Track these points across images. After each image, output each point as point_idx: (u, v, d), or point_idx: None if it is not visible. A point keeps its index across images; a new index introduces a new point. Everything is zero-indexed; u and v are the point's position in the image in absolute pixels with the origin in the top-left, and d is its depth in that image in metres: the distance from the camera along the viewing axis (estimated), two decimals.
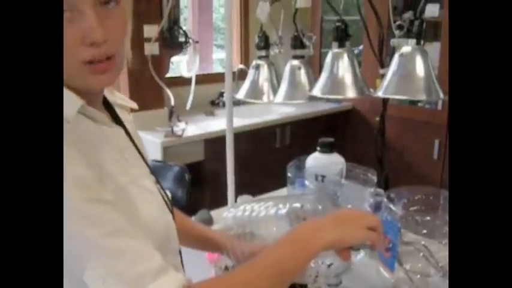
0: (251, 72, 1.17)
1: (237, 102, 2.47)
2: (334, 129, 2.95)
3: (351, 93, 0.98)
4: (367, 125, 3.00)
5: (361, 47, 2.93)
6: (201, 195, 2.30)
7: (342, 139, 2.92)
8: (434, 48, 2.51)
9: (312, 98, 1.04)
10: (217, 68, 3.16)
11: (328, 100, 2.68)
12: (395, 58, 0.89)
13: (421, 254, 0.95)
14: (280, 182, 1.34)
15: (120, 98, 0.74)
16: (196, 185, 1.96)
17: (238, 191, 1.38)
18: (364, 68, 2.73)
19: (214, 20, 3.12)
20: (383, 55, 1.11)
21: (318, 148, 1.15)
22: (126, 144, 0.68)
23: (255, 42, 1.15)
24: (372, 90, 0.99)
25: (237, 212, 0.89)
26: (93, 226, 0.50)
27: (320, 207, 0.86)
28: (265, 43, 1.13)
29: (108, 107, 0.70)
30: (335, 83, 0.99)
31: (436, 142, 2.66)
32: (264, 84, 1.15)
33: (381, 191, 1.12)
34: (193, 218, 1.31)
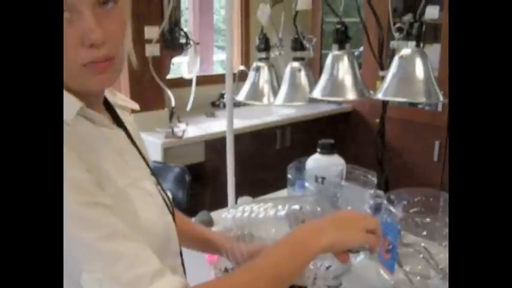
0: (251, 74, 1.17)
1: (238, 104, 2.47)
2: (335, 130, 2.95)
3: (351, 95, 0.98)
4: (367, 126, 3.00)
5: (361, 49, 2.93)
6: (201, 196, 2.30)
7: (342, 141, 2.93)
8: (434, 50, 2.51)
9: (312, 100, 1.04)
10: (217, 70, 3.16)
11: (328, 102, 2.68)
12: (395, 60, 0.89)
13: (421, 255, 0.96)
14: (280, 183, 1.34)
15: (121, 99, 0.74)
16: (197, 186, 1.96)
17: (239, 192, 1.38)
18: (364, 69, 2.73)
19: (215, 22, 3.12)
20: (383, 57, 1.11)
21: (318, 150, 1.15)
22: (127, 146, 0.68)
23: (256, 44, 1.15)
24: (372, 92, 0.99)
25: (237, 213, 0.90)
26: (90, 229, 0.50)
27: (319, 209, 0.86)
28: (265, 45, 1.13)
29: (109, 108, 0.70)
30: (335, 85, 0.99)
31: (436, 144, 2.66)
32: (265, 86, 1.15)
33: (380, 192, 1.12)
34: (193, 219, 1.31)
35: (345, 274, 1.00)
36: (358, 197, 1.08)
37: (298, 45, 1.08)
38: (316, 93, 1.00)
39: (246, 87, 1.18)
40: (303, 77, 1.09)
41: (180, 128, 2.35)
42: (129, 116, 0.76)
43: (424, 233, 1.01)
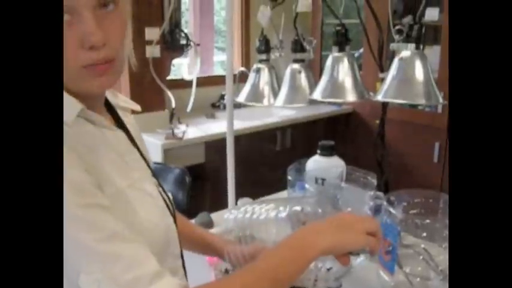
0: (252, 76, 1.17)
1: (238, 105, 2.48)
2: (335, 132, 2.96)
3: (351, 97, 0.98)
4: (367, 128, 3.00)
5: (361, 50, 2.94)
6: (202, 197, 2.30)
7: (342, 142, 2.93)
8: (434, 52, 2.52)
9: (312, 101, 1.04)
10: (218, 71, 3.16)
11: (328, 103, 2.68)
12: (395, 62, 0.90)
13: (421, 257, 0.96)
14: (280, 184, 1.34)
15: (123, 100, 0.75)
16: (197, 187, 1.96)
17: (239, 194, 1.38)
18: (364, 71, 2.74)
19: (215, 23, 3.13)
20: (383, 59, 1.11)
21: (318, 151, 1.15)
22: (127, 147, 0.68)
23: (256, 46, 1.15)
24: (371, 93, 0.99)
25: (238, 214, 0.90)
26: (89, 231, 0.51)
27: (320, 210, 0.86)
28: (266, 47, 1.14)
29: (110, 109, 0.71)
30: (335, 87, 0.99)
31: (436, 145, 2.66)
32: (265, 87, 1.15)
33: (380, 194, 1.12)
34: (193, 220, 1.31)
35: (345, 276, 1.00)
36: (358, 199, 1.08)
37: (298, 47, 1.08)
38: (317, 95, 1.01)
39: (247, 88, 1.18)
40: (303, 79, 1.09)
41: (180, 129, 2.35)
42: (131, 117, 0.76)
43: (424, 234, 1.01)
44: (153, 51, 2.12)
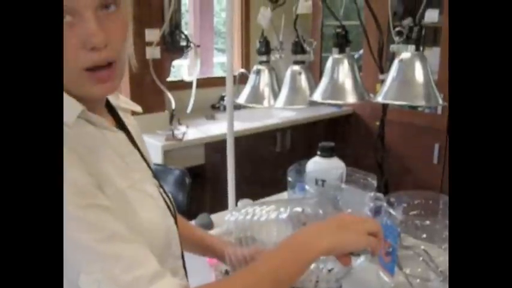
0: (252, 77, 1.17)
1: (238, 106, 2.48)
2: (335, 133, 2.96)
3: (351, 98, 0.98)
4: (368, 129, 3.00)
5: (361, 52, 2.94)
6: (202, 199, 2.30)
7: (342, 143, 2.93)
8: (434, 54, 2.52)
9: (313, 103, 1.04)
10: (218, 72, 3.17)
11: (328, 104, 2.70)
12: (395, 64, 0.90)
13: (421, 258, 0.96)
14: (280, 186, 1.34)
15: (124, 102, 0.75)
16: (197, 188, 1.96)
17: (239, 195, 1.38)
18: (364, 72, 2.74)
19: (215, 24, 3.13)
20: (383, 60, 1.11)
21: (318, 152, 1.15)
22: (128, 149, 0.68)
23: (256, 47, 1.15)
24: (372, 95, 1.00)
25: (239, 215, 0.90)
26: (89, 231, 0.51)
27: (321, 211, 0.86)
28: (266, 48, 1.14)
29: (111, 110, 0.71)
30: (335, 89, 0.99)
31: (436, 146, 2.66)
32: (265, 89, 1.15)
33: (380, 195, 1.12)
34: (193, 221, 1.31)
35: (345, 277, 1.00)
36: (358, 200, 1.08)
37: (298, 48, 1.09)
38: (317, 97, 1.01)
39: (247, 90, 1.18)
40: (303, 80, 1.09)
41: (180, 130, 2.35)
42: (132, 119, 0.77)
43: (424, 235, 1.01)
44: (153, 53, 2.12)
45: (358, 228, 0.63)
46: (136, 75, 2.14)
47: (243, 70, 2.89)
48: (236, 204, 1.36)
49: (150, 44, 2.08)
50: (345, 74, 0.98)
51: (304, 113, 2.84)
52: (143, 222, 0.61)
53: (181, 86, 2.58)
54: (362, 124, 3.06)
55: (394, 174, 2.28)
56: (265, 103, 1.16)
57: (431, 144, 2.68)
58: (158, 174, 0.73)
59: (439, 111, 2.64)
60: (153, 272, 0.52)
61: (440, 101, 0.88)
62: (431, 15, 2.50)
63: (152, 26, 2.20)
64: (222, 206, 1.42)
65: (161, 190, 0.70)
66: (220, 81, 2.65)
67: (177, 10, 2.47)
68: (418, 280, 0.92)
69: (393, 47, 0.91)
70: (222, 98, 2.90)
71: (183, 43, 2.48)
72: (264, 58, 1.15)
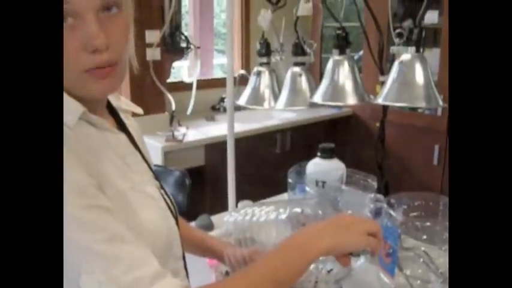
0: (252, 79, 1.18)
1: (238, 107, 2.48)
2: (335, 134, 2.96)
3: (351, 100, 0.99)
4: (368, 130, 3.01)
5: (361, 53, 2.94)
6: (202, 200, 2.30)
7: (342, 145, 2.93)
8: (434, 55, 2.53)
9: (313, 104, 1.04)
10: (217, 73, 3.17)
11: (328, 106, 2.71)
12: (395, 66, 0.90)
13: (421, 259, 0.96)
14: (280, 187, 1.35)
15: (125, 103, 0.75)
16: (197, 190, 1.96)
17: (239, 196, 1.38)
18: (365, 74, 2.74)
19: (215, 26, 3.13)
20: (383, 62, 1.12)
21: (319, 154, 1.15)
22: (129, 150, 0.68)
23: (257, 49, 1.16)
24: (372, 96, 1.00)
25: (238, 216, 0.90)
26: (90, 232, 0.51)
27: (320, 212, 0.86)
28: (266, 50, 1.14)
29: (112, 112, 0.71)
30: (336, 90, 0.99)
31: (436, 148, 2.66)
32: (265, 90, 1.16)
33: (381, 196, 1.12)
34: (193, 223, 1.32)
35: (345, 278, 1.00)
36: (359, 201, 1.08)
37: (299, 50, 1.09)
38: (317, 98, 1.01)
39: (247, 91, 1.18)
40: (303, 82, 1.09)
41: (181, 131, 2.35)
42: (133, 120, 0.77)
43: (424, 237, 1.01)
44: (153, 54, 2.13)
45: (357, 228, 0.64)
46: (136, 77, 2.14)
47: (243, 71, 2.89)
48: (236, 206, 1.36)
49: (150, 45, 2.09)
50: (345, 76, 0.98)
51: (304, 114, 2.84)
52: (144, 223, 0.61)
53: (182, 87, 2.58)
54: (362, 125, 3.06)
55: (394, 175, 2.28)
56: (266, 105, 1.16)
57: (431, 145, 2.68)
58: (158, 175, 0.73)
59: (439, 112, 2.64)
60: (154, 272, 0.53)
61: (441, 103, 0.88)
62: (431, 17, 2.50)
63: (152, 27, 2.21)
64: (222, 207, 1.42)
65: (162, 191, 0.71)
66: (220, 83, 2.66)
67: (177, 11, 2.48)
68: (418, 281, 0.92)
69: (393, 49, 0.91)
70: (222, 100, 2.90)
71: (183, 44, 2.48)
72: (264, 60, 1.16)
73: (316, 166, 1.15)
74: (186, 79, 2.62)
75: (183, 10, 2.71)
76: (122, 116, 0.72)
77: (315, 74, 2.47)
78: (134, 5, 0.63)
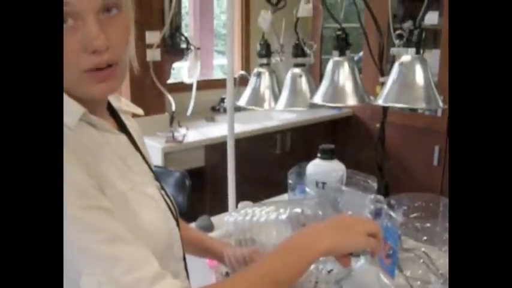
0: (252, 80, 1.18)
1: (238, 108, 2.48)
2: (335, 135, 2.96)
3: (351, 101, 0.99)
4: (368, 131, 3.01)
5: (361, 54, 2.95)
6: (202, 201, 2.30)
7: (343, 145, 2.93)
8: (434, 56, 2.53)
9: (313, 105, 1.04)
10: (218, 74, 3.17)
11: (328, 107, 2.71)
12: (395, 67, 0.90)
13: (421, 260, 0.96)
14: (280, 188, 1.35)
15: (126, 104, 0.75)
16: (197, 190, 1.96)
17: (239, 197, 1.38)
18: (364, 74, 2.74)
19: (215, 27, 3.14)
20: (383, 63, 1.12)
21: (319, 155, 1.15)
22: (130, 151, 0.68)
23: (257, 50, 1.16)
24: (372, 97, 1.00)
25: (238, 216, 0.90)
26: (90, 232, 0.51)
27: (320, 212, 0.86)
28: (266, 51, 1.14)
29: (113, 113, 0.71)
30: (336, 91, 0.99)
31: (436, 148, 2.66)
32: (266, 91, 1.16)
33: (381, 197, 1.12)
34: (193, 223, 1.32)
35: (345, 279, 1.00)
36: (359, 202, 1.08)
37: (299, 51, 1.09)
38: (317, 99, 1.01)
39: (247, 92, 1.18)
40: (303, 83, 1.09)
41: (181, 132, 2.36)
42: (133, 121, 0.77)
43: (424, 238, 1.01)
44: (153, 55, 2.13)
45: (357, 229, 0.64)
46: (136, 78, 2.15)
47: (243, 72, 2.89)
48: (236, 206, 1.36)
49: (150, 46, 2.09)
50: (345, 77, 0.99)
51: (304, 115, 2.84)
52: (145, 225, 0.61)
53: (182, 88, 2.58)
54: (362, 126, 3.06)
55: (395, 176, 2.28)
56: (266, 105, 1.16)
57: (431, 146, 2.68)
58: (158, 176, 0.73)
59: (439, 113, 2.64)
60: (154, 273, 0.53)
61: (441, 104, 0.88)
62: (431, 18, 2.50)
63: (153, 28, 2.21)
64: (222, 208, 1.42)
65: (163, 192, 0.71)
66: (220, 84, 2.66)
67: (178, 12, 2.48)
68: (418, 282, 0.92)
69: (393, 50, 0.91)
70: (222, 100, 2.90)
71: (184, 45, 2.48)
72: (264, 61, 1.16)
73: (316, 167, 1.15)
74: (186, 80, 2.63)
75: (183, 11, 2.71)
76: (123, 117, 0.73)
77: (315, 75, 2.47)
78: (134, 6, 0.63)
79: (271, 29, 1.10)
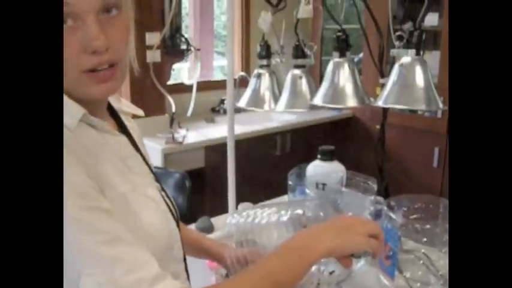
0: (252, 81, 1.18)
1: (238, 109, 2.48)
2: (335, 137, 2.96)
3: (351, 102, 0.99)
4: (368, 132, 3.01)
5: (361, 55, 2.95)
6: (202, 202, 2.30)
7: (343, 147, 2.93)
8: (434, 57, 2.53)
9: (313, 106, 1.04)
10: (218, 75, 3.17)
11: (328, 108, 2.70)
12: (395, 68, 0.90)
13: (421, 262, 0.96)
14: (280, 189, 1.35)
15: (126, 105, 0.75)
16: (197, 192, 1.96)
17: (239, 198, 1.38)
18: (364, 76, 2.74)
19: (215, 28, 3.14)
20: (383, 64, 1.12)
21: (319, 156, 1.15)
22: (130, 152, 0.68)
23: (257, 51, 1.16)
24: (372, 99, 1.00)
25: (240, 218, 0.90)
26: (90, 233, 0.51)
27: (322, 213, 0.86)
28: (266, 52, 1.14)
29: (113, 114, 0.71)
30: (336, 92, 1.00)
31: (436, 150, 2.66)
32: (266, 92, 1.16)
33: (381, 199, 1.12)
34: (193, 225, 1.32)
35: (346, 280, 1.00)
36: (359, 204, 1.08)
37: (299, 52, 1.09)
38: (317, 100, 1.01)
39: (247, 93, 1.18)
40: (303, 84, 1.09)
41: (181, 133, 2.36)
42: (133, 122, 0.77)
43: (424, 239, 1.01)
44: (153, 56, 2.13)
45: (359, 230, 0.64)
46: (136, 79, 2.14)
47: (243, 73, 2.89)
48: (236, 208, 1.36)
49: (150, 47, 2.09)
50: (345, 78, 0.99)
51: (304, 116, 2.84)
52: (145, 226, 0.61)
53: (182, 89, 2.58)
54: (362, 127, 3.06)
55: (394, 177, 2.28)
56: (266, 107, 1.16)
57: (431, 147, 2.68)
58: (158, 177, 0.73)
59: (439, 114, 2.64)
60: (154, 274, 0.53)
61: (441, 105, 0.88)
62: (431, 19, 2.51)
63: (153, 29, 2.21)
64: (222, 209, 1.42)
65: (163, 193, 0.71)
66: (220, 85, 2.66)
67: (178, 14, 2.48)
68: (418, 284, 0.92)
69: (393, 52, 0.91)
70: (222, 101, 2.90)
71: (184, 46, 2.48)
72: (264, 62, 1.16)
73: (317, 168, 1.15)
74: (186, 81, 2.63)
75: (183, 12, 2.71)
76: (123, 118, 0.73)
77: (315, 76, 2.47)
78: (134, 7, 0.63)
79: (272, 30, 1.10)
